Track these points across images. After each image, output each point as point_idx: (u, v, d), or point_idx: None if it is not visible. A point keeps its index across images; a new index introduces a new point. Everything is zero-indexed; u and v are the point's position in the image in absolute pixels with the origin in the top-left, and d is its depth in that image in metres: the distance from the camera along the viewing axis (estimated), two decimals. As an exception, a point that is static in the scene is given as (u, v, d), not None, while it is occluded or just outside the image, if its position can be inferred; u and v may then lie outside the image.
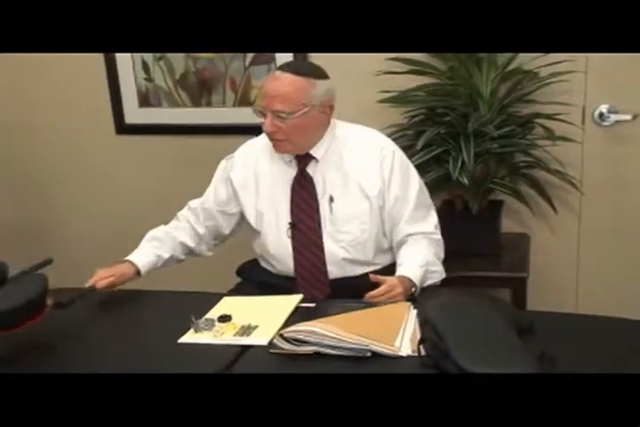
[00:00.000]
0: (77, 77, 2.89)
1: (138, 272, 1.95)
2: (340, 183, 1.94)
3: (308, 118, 1.86)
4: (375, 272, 1.97)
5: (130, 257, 1.97)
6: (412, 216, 1.95)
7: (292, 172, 1.96)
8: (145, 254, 1.98)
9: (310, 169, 1.95)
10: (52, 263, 3.19)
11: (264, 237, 2.00)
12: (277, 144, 1.90)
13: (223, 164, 2.07)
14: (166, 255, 2.02)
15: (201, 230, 2.07)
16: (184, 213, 2.09)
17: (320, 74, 1.89)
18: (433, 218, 2.00)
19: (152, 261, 1.98)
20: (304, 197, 1.94)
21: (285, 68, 1.86)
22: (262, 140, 2.01)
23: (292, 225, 1.94)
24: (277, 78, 1.84)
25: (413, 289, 1.78)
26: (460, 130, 2.33)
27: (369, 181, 1.92)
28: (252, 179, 2.00)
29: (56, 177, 3.07)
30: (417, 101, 2.47)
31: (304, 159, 1.95)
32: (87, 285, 1.85)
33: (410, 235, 1.94)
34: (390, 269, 1.94)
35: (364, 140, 1.97)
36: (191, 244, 2.07)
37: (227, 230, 2.08)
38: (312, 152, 1.94)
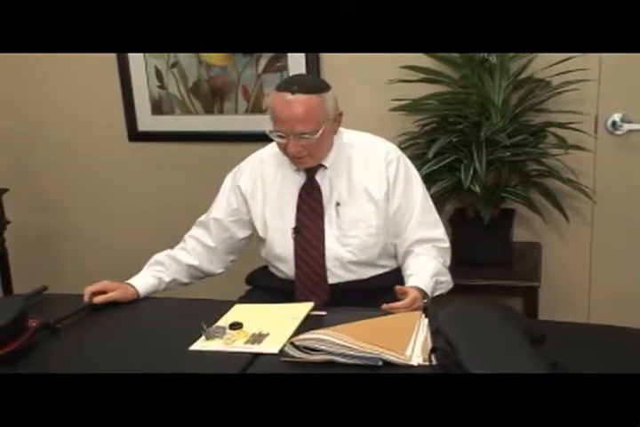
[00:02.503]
0: (91, 85, 2.91)
1: (137, 294, 1.91)
2: (347, 189, 1.95)
3: (326, 132, 1.87)
4: (381, 275, 2.00)
5: (130, 281, 1.93)
6: (419, 221, 1.95)
7: (299, 180, 1.97)
8: (145, 278, 1.96)
9: (318, 176, 1.96)
10: (66, 270, 3.22)
11: (270, 243, 2.01)
12: (300, 161, 1.90)
13: (230, 176, 2.07)
14: (167, 279, 1.99)
15: (212, 244, 2.04)
16: (191, 233, 2.07)
17: (324, 86, 1.88)
18: (441, 226, 2.00)
19: (153, 284, 1.95)
20: (310, 203, 1.95)
21: (293, 88, 1.82)
22: (268, 150, 2.04)
23: (296, 230, 1.95)
24: (290, 102, 1.81)
25: (425, 301, 1.78)
26: (472, 138, 2.33)
27: (375, 186, 1.93)
28: (260, 188, 2.01)
29: (69, 184, 3.09)
30: (429, 110, 2.48)
31: (313, 167, 1.95)
32: (86, 298, 1.84)
33: (418, 241, 1.94)
34: (397, 273, 1.95)
35: (369, 146, 1.98)
36: (196, 262, 2.03)
37: (242, 235, 2.06)
38: (322, 161, 1.94)
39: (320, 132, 1.84)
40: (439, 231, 1.98)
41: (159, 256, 2.03)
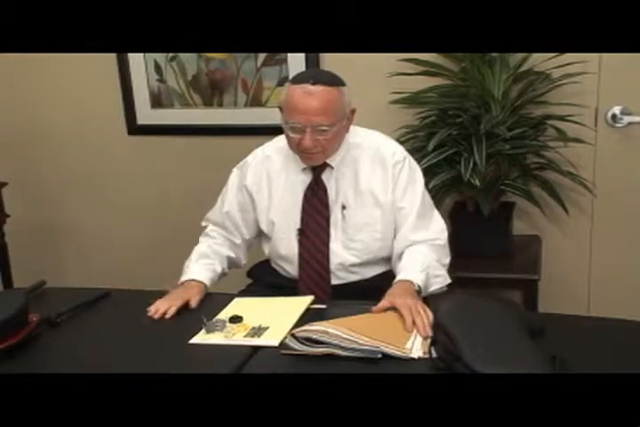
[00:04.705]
0: (90, 79, 2.91)
1: (207, 288, 1.88)
2: (354, 191, 1.92)
3: (342, 128, 1.85)
4: (383, 274, 1.99)
5: (191, 276, 1.88)
6: (415, 225, 1.91)
7: (305, 179, 1.95)
8: (202, 271, 1.91)
9: (325, 176, 1.94)
10: (66, 263, 3.22)
11: (275, 242, 2.00)
12: (311, 157, 1.87)
13: (236, 172, 2.03)
14: (219, 270, 1.97)
15: (237, 241, 2.03)
16: (213, 229, 2.05)
17: (340, 81, 1.86)
18: (436, 224, 1.95)
19: (211, 277, 1.91)
20: (315, 204, 1.93)
21: (312, 80, 1.80)
22: (274, 145, 2.01)
23: (300, 232, 1.94)
24: (310, 92, 1.78)
25: (417, 288, 1.75)
26: (471, 131, 2.33)
27: (381, 189, 1.91)
28: (265, 186, 1.98)
29: (69, 178, 3.08)
30: (429, 103, 2.47)
31: (319, 167, 1.93)
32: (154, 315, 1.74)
33: (411, 243, 1.90)
34: None
35: (376, 147, 1.94)
36: (233, 255, 2.03)
37: (248, 237, 2.04)
38: (328, 160, 1.92)
39: (338, 126, 1.82)
40: (434, 231, 1.93)
41: (202, 249, 1.99)
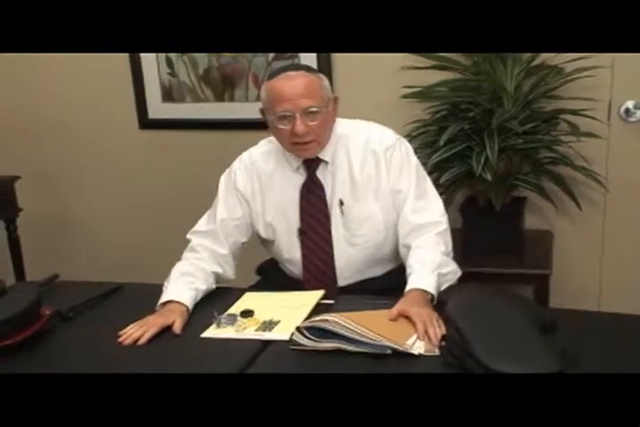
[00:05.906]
0: (101, 72, 2.92)
1: (188, 310, 1.76)
2: (349, 184, 1.89)
3: (329, 114, 1.84)
4: (393, 271, 1.98)
5: (171, 297, 1.75)
6: (414, 206, 1.88)
7: (299, 178, 1.92)
8: (183, 290, 1.78)
9: (320, 173, 1.91)
10: (78, 257, 3.23)
11: (277, 245, 1.97)
12: (306, 147, 1.84)
13: (224, 179, 1.98)
14: (203, 287, 1.83)
15: (224, 251, 1.92)
16: (198, 243, 1.93)
17: (317, 71, 1.90)
18: (437, 206, 1.91)
19: (193, 295, 1.79)
20: (313, 202, 1.91)
21: (292, 68, 1.85)
22: (259, 149, 1.99)
23: (301, 232, 1.92)
24: (293, 78, 1.79)
25: (430, 297, 1.70)
26: (483, 126, 2.32)
27: (375, 178, 1.89)
28: (258, 190, 1.94)
29: (81, 172, 3.10)
30: (440, 97, 2.46)
31: (313, 163, 1.90)
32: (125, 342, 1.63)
33: (413, 229, 1.86)
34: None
35: (364, 135, 1.91)
36: (220, 270, 1.91)
37: (243, 240, 1.98)
38: (321, 155, 1.89)
39: (325, 110, 1.81)
40: (435, 213, 1.88)
41: (184, 267, 1.87)
